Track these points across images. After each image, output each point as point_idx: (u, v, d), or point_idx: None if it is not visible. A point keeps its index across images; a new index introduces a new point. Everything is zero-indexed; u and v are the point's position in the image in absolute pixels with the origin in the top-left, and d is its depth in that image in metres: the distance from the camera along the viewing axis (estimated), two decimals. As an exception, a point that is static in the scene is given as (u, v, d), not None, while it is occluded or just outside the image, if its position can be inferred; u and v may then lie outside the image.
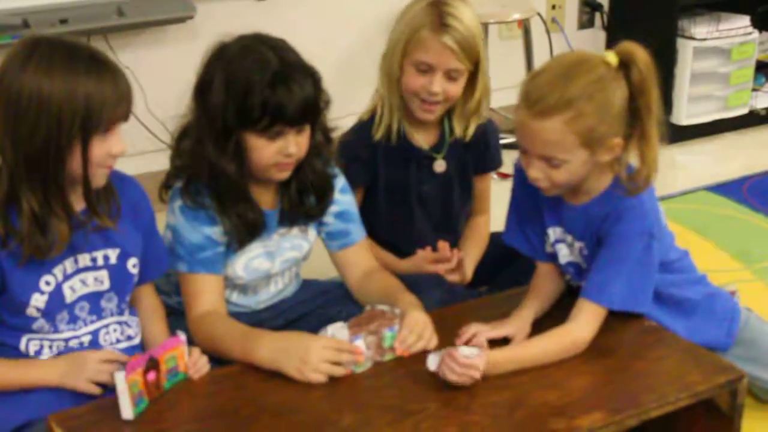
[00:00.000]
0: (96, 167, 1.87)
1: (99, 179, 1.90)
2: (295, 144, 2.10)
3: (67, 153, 1.82)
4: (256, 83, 2.03)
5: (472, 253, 2.61)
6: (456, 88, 2.45)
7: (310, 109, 2.10)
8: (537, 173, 2.04)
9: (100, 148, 1.85)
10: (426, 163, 2.58)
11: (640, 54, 2.01)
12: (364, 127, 2.54)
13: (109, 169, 1.91)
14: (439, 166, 2.59)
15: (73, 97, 1.80)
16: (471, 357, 1.92)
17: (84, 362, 1.94)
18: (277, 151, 2.10)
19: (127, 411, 1.79)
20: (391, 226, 2.61)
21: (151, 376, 1.82)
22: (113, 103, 1.84)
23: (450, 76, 2.42)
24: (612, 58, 2.01)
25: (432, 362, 1.94)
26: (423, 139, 2.56)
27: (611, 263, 2.07)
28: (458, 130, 2.55)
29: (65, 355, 1.97)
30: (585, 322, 2.07)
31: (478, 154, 2.63)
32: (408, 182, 2.58)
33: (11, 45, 3.09)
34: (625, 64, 2.00)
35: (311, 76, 2.10)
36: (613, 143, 2.01)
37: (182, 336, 1.92)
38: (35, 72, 1.80)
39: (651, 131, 2.02)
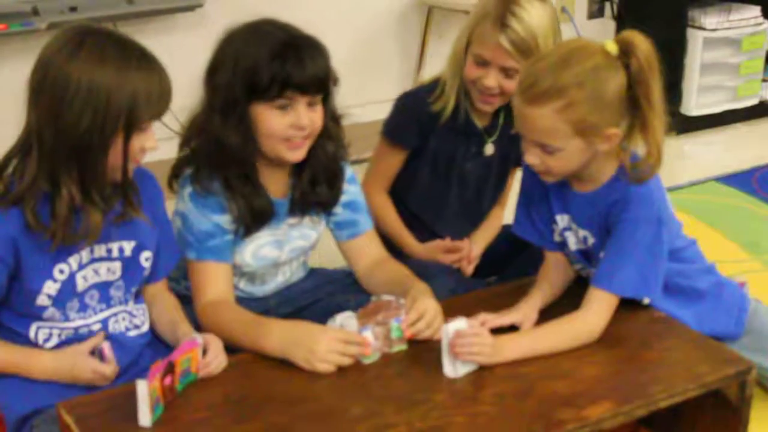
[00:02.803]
0: (128, 160, 1.88)
1: (128, 172, 1.91)
2: (307, 117, 2.09)
3: (110, 144, 1.84)
4: (264, 53, 2.04)
5: (482, 235, 2.65)
6: (513, 85, 2.40)
7: (321, 78, 2.09)
8: (533, 159, 2.04)
9: (137, 141, 1.87)
10: (476, 141, 2.59)
11: (641, 43, 1.99)
12: (428, 91, 2.54)
13: (138, 163, 1.93)
14: (489, 148, 2.61)
15: (122, 89, 1.81)
16: (463, 327, 1.95)
17: (78, 376, 1.94)
18: (290, 125, 2.09)
19: (145, 418, 1.78)
20: (424, 198, 2.63)
21: (168, 380, 1.82)
22: (157, 100, 1.86)
23: (507, 73, 2.42)
24: (611, 46, 1.99)
25: (449, 370, 1.95)
26: (478, 120, 2.58)
27: (621, 251, 2.07)
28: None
29: (57, 354, 1.96)
30: (597, 310, 2.07)
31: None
32: (454, 156, 2.60)
33: (23, 32, 3.14)
34: (625, 53, 1.98)
35: (319, 49, 2.10)
36: (609, 133, 2.00)
37: (199, 339, 1.92)
38: (86, 61, 1.81)
39: (652, 122, 2.00)
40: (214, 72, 2.11)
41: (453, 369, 1.95)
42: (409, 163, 2.60)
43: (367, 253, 2.34)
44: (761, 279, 3.03)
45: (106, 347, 1.96)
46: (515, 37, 2.36)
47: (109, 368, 1.94)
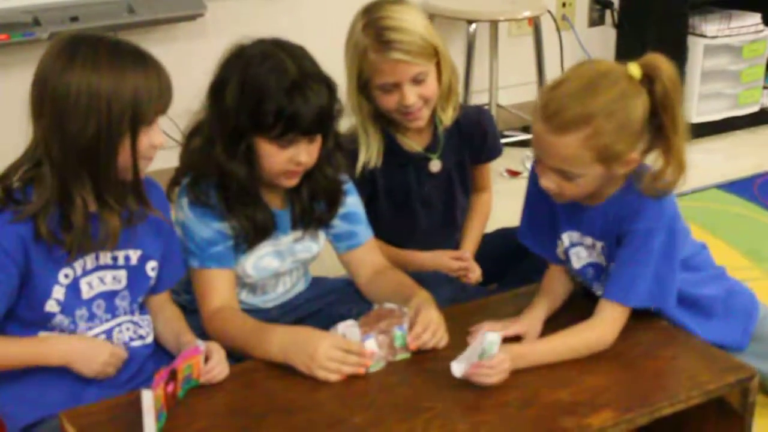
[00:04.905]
0: (139, 159, 1.89)
1: (141, 171, 1.92)
2: (306, 153, 2.10)
3: (118, 146, 1.85)
4: (273, 90, 2.03)
5: (474, 228, 2.67)
6: (429, 88, 2.41)
7: (325, 119, 2.10)
8: (549, 184, 2.02)
9: (145, 139, 1.88)
10: (422, 164, 2.56)
11: (665, 67, 1.96)
12: (355, 139, 2.50)
13: (150, 160, 1.94)
14: (434, 166, 2.57)
15: (122, 91, 1.83)
16: (493, 354, 1.92)
17: (96, 355, 1.94)
18: (288, 159, 2.10)
19: (150, 428, 1.77)
20: (395, 229, 2.60)
21: (170, 387, 1.82)
22: (158, 96, 1.87)
23: (417, 80, 2.38)
24: (635, 70, 1.96)
25: (457, 369, 1.94)
26: (416, 142, 2.54)
27: (634, 262, 2.05)
28: (445, 119, 2.53)
29: (76, 341, 1.96)
30: (610, 322, 2.06)
31: (475, 146, 2.63)
32: (408, 186, 2.58)
33: (24, 42, 3.14)
34: (649, 77, 1.95)
35: (327, 85, 2.09)
36: (630, 158, 1.98)
37: (201, 346, 1.92)
38: (82, 69, 1.82)
39: (677, 145, 1.97)
40: (220, 88, 2.10)
41: (459, 370, 1.94)
42: (369, 205, 2.52)
43: (368, 263, 2.34)
44: (762, 287, 3.01)
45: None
46: (404, 45, 2.33)
47: (124, 355, 1.97)
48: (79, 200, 1.86)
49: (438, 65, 2.43)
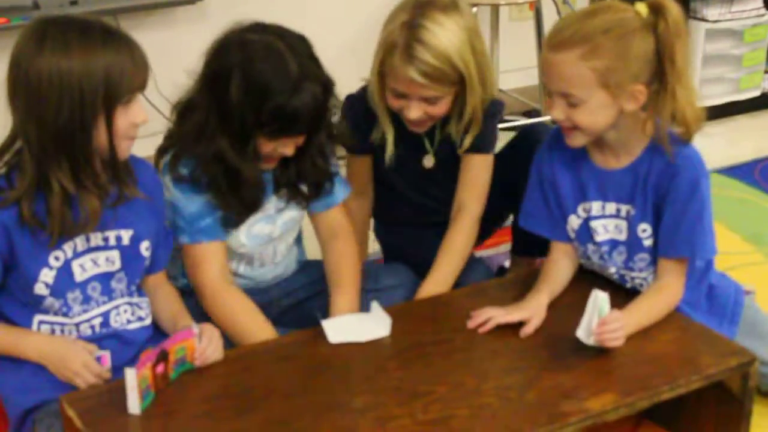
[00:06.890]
0: (121, 139, 1.88)
1: (124, 151, 1.91)
2: (291, 147, 2.12)
3: (93, 127, 1.84)
4: (274, 91, 2.02)
5: (443, 264, 2.37)
6: (440, 109, 2.31)
7: (316, 120, 2.11)
8: (558, 114, 2.05)
9: (123, 118, 1.87)
10: (419, 147, 2.49)
11: (672, 7, 2.01)
12: (364, 95, 2.43)
13: (132, 140, 1.93)
14: (428, 161, 2.51)
15: (93, 71, 1.82)
16: (607, 311, 1.96)
17: (68, 362, 1.93)
18: (272, 149, 2.11)
19: (134, 407, 1.79)
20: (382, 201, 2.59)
21: (160, 368, 1.82)
22: (132, 73, 1.86)
23: (428, 100, 2.29)
24: (642, 8, 2.02)
25: (584, 336, 1.96)
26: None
27: (691, 215, 2.08)
28: (454, 136, 2.42)
29: (56, 343, 1.96)
30: (677, 279, 2.11)
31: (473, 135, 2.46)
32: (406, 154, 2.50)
33: (23, 26, 3.13)
34: (655, 16, 2.00)
35: (323, 84, 2.09)
36: (634, 89, 2.00)
37: (195, 329, 1.92)
38: (52, 53, 1.81)
39: (674, 86, 2.01)
40: (221, 78, 2.06)
41: (586, 337, 1.96)
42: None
43: (330, 224, 2.34)
44: (764, 271, 3.02)
45: (107, 357, 1.96)
46: (426, 68, 2.21)
47: (98, 370, 1.93)
48: (56, 184, 1.85)
49: (464, 89, 2.30)
